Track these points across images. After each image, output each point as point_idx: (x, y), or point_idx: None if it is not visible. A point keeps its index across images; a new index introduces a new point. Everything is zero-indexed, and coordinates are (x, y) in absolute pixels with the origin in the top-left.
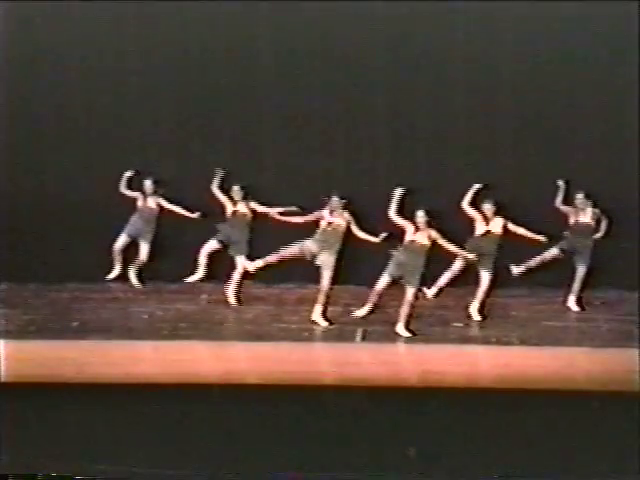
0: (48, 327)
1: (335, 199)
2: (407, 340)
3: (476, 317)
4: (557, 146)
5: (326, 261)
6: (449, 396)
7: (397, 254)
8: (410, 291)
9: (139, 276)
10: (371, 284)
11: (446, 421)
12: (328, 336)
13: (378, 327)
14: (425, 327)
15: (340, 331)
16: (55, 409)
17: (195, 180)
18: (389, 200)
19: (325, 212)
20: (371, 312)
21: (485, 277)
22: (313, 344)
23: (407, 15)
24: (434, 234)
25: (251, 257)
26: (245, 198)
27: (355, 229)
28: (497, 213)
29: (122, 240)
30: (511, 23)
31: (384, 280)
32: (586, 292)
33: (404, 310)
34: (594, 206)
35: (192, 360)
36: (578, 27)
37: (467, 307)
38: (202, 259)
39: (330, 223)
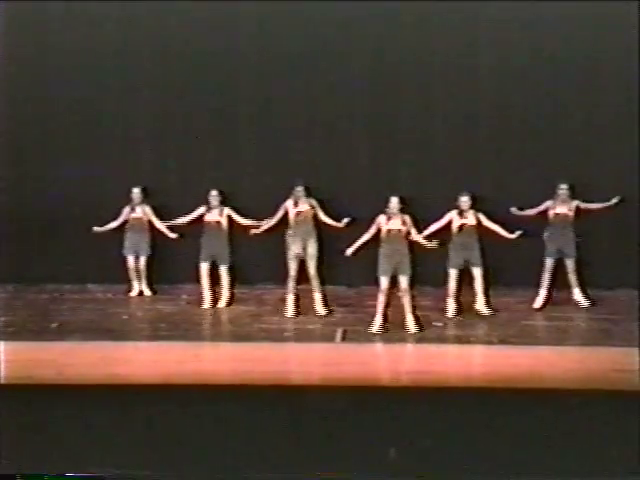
0: (27, 328)
1: (299, 188)
2: (386, 340)
3: (485, 311)
4: (554, 147)
5: (312, 252)
6: (428, 396)
7: (383, 250)
8: (404, 280)
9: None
10: (349, 284)
11: (426, 421)
12: (308, 336)
13: (358, 327)
14: (404, 327)
15: (320, 331)
16: (35, 411)
17: (177, 184)
18: (368, 197)
19: (289, 202)
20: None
21: (477, 272)
22: (293, 344)
23: (390, 17)
24: (408, 219)
25: (233, 267)
26: (223, 203)
27: (320, 214)
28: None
29: (130, 260)
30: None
31: (384, 281)
32: (564, 291)
33: (406, 300)
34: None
35: (172, 361)
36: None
37: (446, 307)
38: (204, 283)
39: (298, 213)
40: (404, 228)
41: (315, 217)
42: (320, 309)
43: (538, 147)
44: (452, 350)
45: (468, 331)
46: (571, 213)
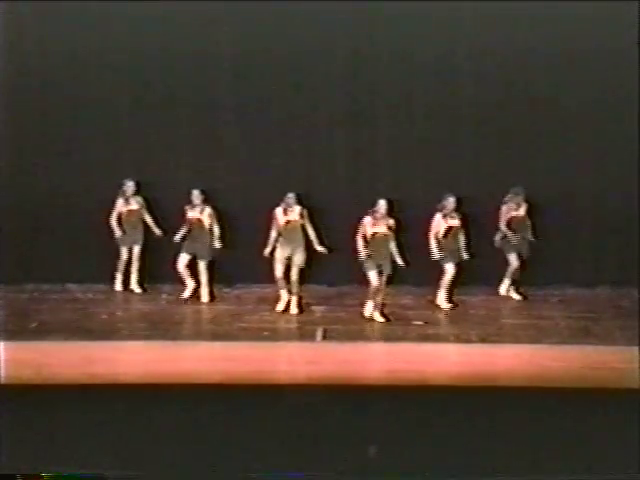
0: (6, 328)
1: (289, 195)
2: (367, 339)
3: (445, 306)
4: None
5: (299, 261)
6: (410, 394)
7: (368, 252)
8: (384, 278)
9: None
10: (330, 283)
11: (406, 419)
12: (289, 335)
13: (339, 326)
14: (385, 325)
15: (301, 330)
16: (13, 410)
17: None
18: (349, 199)
19: (279, 210)
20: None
21: (450, 268)
22: (273, 343)
23: (371, 18)
24: (392, 224)
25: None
26: (205, 202)
27: (308, 228)
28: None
29: (124, 252)
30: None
31: (373, 277)
32: (543, 289)
33: (379, 295)
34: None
35: (153, 360)
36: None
37: (427, 306)
38: (183, 272)
39: (288, 222)
40: (390, 233)
41: (304, 226)
42: (294, 309)
43: (518, 148)
44: (432, 348)
45: (448, 330)
46: (526, 215)
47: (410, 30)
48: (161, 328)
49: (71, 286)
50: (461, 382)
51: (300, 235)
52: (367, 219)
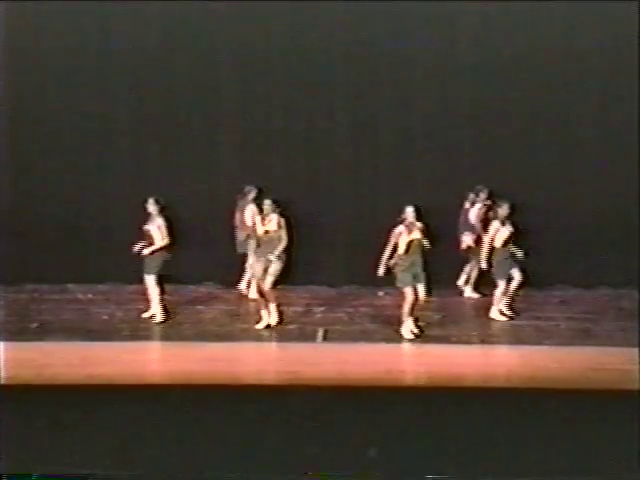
0: (7, 328)
1: (267, 202)
2: (367, 340)
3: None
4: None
5: (273, 271)
6: (410, 395)
7: (403, 262)
8: (421, 288)
9: None
10: (331, 284)
11: (407, 420)
12: (289, 336)
13: (339, 327)
14: (385, 326)
15: (301, 331)
16: (14, 411)
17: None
18: (350, 199)
19: (257, 219)
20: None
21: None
22: (274, 344)
23: (372, 21)
24: (420, 226)
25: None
26: (162, 210)
27: (283, 239)
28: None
29: None
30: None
31: (410, 292)
32: (544, 290)
33: (408, 307)
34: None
35: (153, 361)
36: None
37: (427, 307)
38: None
39: (266, 232)
40: (422, 236)
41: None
42: (273, 319)
43: (518, 150)
44: (433, 349)
45: (449, 331)
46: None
47: (410, 30)
48: (161, 329)
49: (71, 286)
50: (462, 383)
51: (277, 245)
52: (401, 228)
